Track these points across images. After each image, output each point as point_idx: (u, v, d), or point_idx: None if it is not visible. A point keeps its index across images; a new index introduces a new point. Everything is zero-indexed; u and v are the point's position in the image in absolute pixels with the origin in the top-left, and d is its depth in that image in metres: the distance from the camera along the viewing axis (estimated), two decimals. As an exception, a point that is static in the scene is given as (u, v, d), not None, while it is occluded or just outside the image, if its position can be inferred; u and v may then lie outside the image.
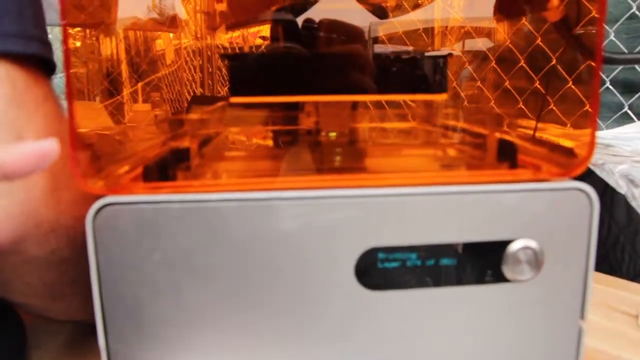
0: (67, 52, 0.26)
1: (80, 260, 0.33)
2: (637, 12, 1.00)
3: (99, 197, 0.26)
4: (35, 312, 0.40)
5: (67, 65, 0.26)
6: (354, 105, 0.38)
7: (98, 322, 0.27)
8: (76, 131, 0.26)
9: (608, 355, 0.45)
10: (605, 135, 0.74)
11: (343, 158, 0.34)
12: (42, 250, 0.31)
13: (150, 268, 0.26)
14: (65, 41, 0.27)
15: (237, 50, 0.45)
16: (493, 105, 0.42)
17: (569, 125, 0.33)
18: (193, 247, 0.26)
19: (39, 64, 0.32)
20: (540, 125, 0.36)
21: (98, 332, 0.27)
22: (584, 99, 0.31)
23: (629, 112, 1.03)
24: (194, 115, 0.36)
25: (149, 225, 0.26)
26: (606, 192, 0.69)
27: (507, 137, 0.33)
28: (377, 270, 0.27)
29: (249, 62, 0.31)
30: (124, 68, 0.39)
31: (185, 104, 0.49)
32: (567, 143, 0.33)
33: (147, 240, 0.26)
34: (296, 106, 0.37)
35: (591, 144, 0.28)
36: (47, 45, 0.33)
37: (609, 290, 0.58)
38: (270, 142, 0.38)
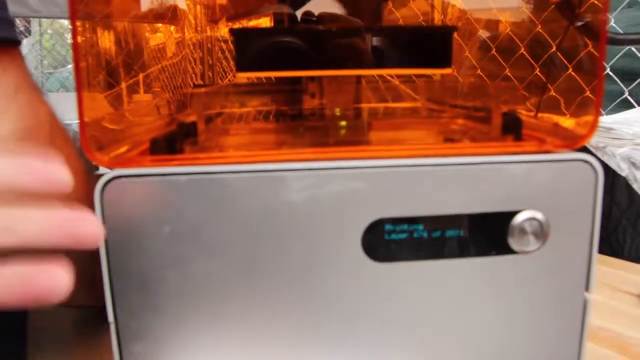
0: (77, 47, 0.26)
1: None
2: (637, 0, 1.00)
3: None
4: None
5: (77, 59, 0.26)
6: (358, 82, 0.38)
7: (107, 297, 0.27)
8: (84, 115, 0.26)
9: (610, 332, 0.45)
10: (606, 119, 0.74)
11: (348, 132, 0.34)
12: None
13: (159, 241, 0.26)
14: (74, 35, 0.26)
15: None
16: (498, 84, 0.42)
17: (568, 114, 0.34)
18: (201, 219, 0.26)
19: (4, 46, 0.30)
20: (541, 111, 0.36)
21: (107, 307, 0.27)
22: (581, 82, 0.31)
23: (629, 98, 1.03)
24: (200, 90, 0.36)
25: (156, 198, 0.26)
26: (607, 175, 0.69)
27: (511, 111, 0.34)
28: (384, 242, 0.27)
29: (256, 37, 0.31)
30: (123, 60, 0.39)
31: (187, 96, 0.49)
32: (570, 122, 0.33)
33: (155, 213, 0.26)
34: (300, 83, 0.37)
35: (596, 115, 0.28)
36: (8, 22, 0.30)
37: (611, 271, 0.58)
38: (275, 121, 0.39)
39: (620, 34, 0.44)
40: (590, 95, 0.30)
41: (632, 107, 1.02)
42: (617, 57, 1.05)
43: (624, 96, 1.03)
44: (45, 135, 0.31)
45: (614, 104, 1.06)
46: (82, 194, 0.25)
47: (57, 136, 0.32)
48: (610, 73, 1.05)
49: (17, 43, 0.31)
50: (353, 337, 0.28)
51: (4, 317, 0.39)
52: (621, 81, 1.06)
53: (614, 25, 1.01)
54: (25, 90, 0.31)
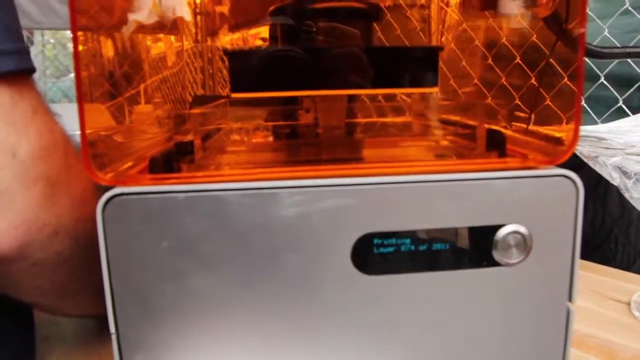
0: (77, 57, 0.27)
1: (85, 258, 0.34)
2: (630, 9, 1.02)
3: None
4: (47, 310, 0.41)
5: (78, 69, 0.27)
6: (351, 100, 0.39)
7: (109, 309, 0.28)
8: (86, 130, 0.27)
9: (599, 340, 0.46)
10: (599, 129, 0.75)
11: (340, 149, 0.35)
12: (46, 253, 0.32)
13: (158, 256, 0.27)
14: (75, 46, 0.27)
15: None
16: (487, 99, 0.44)
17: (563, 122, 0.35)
18: (198, 235, 0.27)
19: (20, 74, 0.32)
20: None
21: (109, 319, 0.28)
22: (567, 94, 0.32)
23: (623, 106, 1.04)
24: (196, 110, 0.38)
25: (155, 215, 0.27)
26: (600, 184, 0.70)
27: (496, 128, 0.35)
28: (373, 255, 0.29)
29: (250, 58, 0.33)
30: (124, 70, 0.40)
31: (187, 106, 0.50)
32: (557, 134, 0.34)
33: (154, 229, 0.27)
34: (295, 102, 0.38)
35: (576, 131, 0.29)
36: (25, 53, 0.32)
37: (602, 279, 0.59)
38: (270, 138, 0.40)
39: (605, 47, 0.45)
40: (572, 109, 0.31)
41: (627, 115, 1.03)
42: (612, 64, 1.06)
43: (618, 104, 1.04)
44: (60, 154, 0.33)
45: (609, 112, 1.07)
46: (93, 208, 0.27)
47: (70, 154, 0.34)
48: (604, 81, 1.06)
49: (33, 71, 0.33)
50: (344, 348, 0.29)
51: (11, 330, 0.41)
52: (619, 87, 1.06)
53: (607, 35, 1.02)
54: (41, 112, 0.33)
